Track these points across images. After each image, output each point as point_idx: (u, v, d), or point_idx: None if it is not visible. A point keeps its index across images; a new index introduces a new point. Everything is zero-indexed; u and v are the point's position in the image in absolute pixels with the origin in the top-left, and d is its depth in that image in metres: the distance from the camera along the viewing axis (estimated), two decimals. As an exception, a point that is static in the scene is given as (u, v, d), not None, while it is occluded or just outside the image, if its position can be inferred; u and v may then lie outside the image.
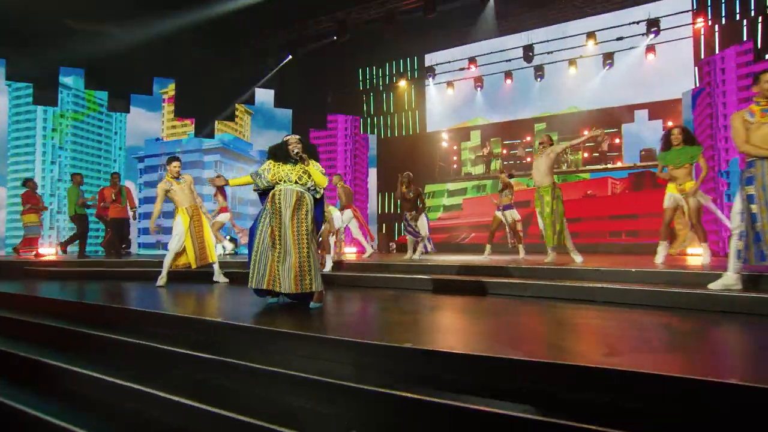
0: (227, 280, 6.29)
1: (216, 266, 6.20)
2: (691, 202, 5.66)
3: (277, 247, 4.13)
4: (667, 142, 5.83)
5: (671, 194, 5.84)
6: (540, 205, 6.41)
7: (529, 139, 14.45)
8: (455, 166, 15.47)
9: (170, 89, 11.26)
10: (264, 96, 11.99)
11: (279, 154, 4.28)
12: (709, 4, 10.86)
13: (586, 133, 6.19)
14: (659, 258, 5.91)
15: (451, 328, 3.55)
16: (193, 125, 11.83)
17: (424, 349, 2.63)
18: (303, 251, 4.11)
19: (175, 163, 6.00)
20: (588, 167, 13.49)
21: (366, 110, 14.72)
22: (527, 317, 3.93)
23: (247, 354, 3.04)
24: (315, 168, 4.21)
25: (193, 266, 5.96)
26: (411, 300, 4.88)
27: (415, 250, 7.89)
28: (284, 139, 4.33)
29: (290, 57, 11.24)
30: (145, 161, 11.67)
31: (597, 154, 13.74)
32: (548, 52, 11.87)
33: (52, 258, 8.87)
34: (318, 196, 4.37)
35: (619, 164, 13.34)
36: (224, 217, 8.98)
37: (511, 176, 8.70)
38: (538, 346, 2.91)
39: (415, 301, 4.83)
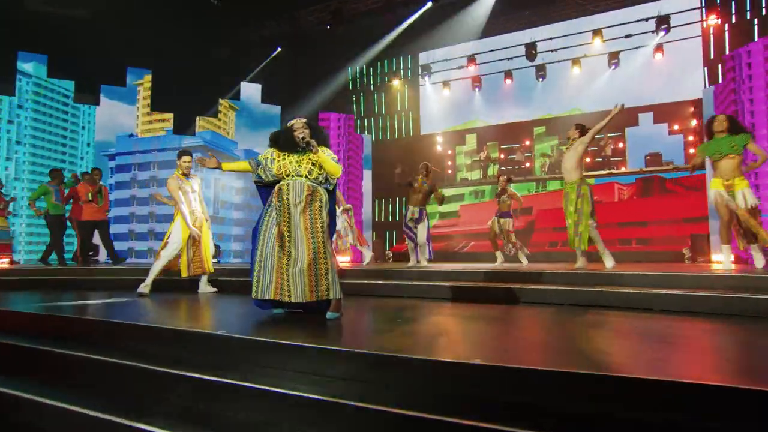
0: (215, 289, 5.66)
1: (204, 275, 5.56)
2: (741, 201, 5.19)
3: (286, 248, 3.53)
4: (709, 131, 5.38)
5: (717, 191, 5.33)
6: (565, 203, 5.96)
7: (528, 143, 14.09)
8: (450, 171, 15.03)
9: (146, 81, 10.50)
10: (251, 91, 11.35)
11: (283, 141, 3.68)
12: (718, 1, 10.70)
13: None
14: (726, 264, 5.36)
15: (501, 340, 2.95)
16: (172, 121, 11.05)
17: (512, 366, 2.03)
18: (319, 251, 3.50)
19: (186, 158, 5.44)
20: (590, 173, 13.18)
21: (357, 111, 14.17)
22: (584, 328, 3.37)
23: (251, 372, 2.40)
24: (326, 155, 3.62)
25: (184, 275, 5.35)
26: (436, 309, 4.31)
27: (418, 256, 7.30)
28: (289, 124, 3.73)
29: (279, 49, 10.63)
30: (116, 159, 10.83)
31: (600, 159, 13.45)
32: (552, 50, 11.54)
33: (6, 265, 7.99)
34: (330, 188, 3.77)
35: (623, 169, 13.07)
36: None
37: (509, 181, 8.27)
38: (633, 364, 2.33)
39: (440, 310, 4.27)
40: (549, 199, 13.09)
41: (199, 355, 2.84)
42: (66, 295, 5.31)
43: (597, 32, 11.00)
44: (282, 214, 3.57)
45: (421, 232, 7.10)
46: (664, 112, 11.91)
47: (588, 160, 13.49)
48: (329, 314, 3.54)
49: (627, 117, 12.89)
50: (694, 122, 11.55)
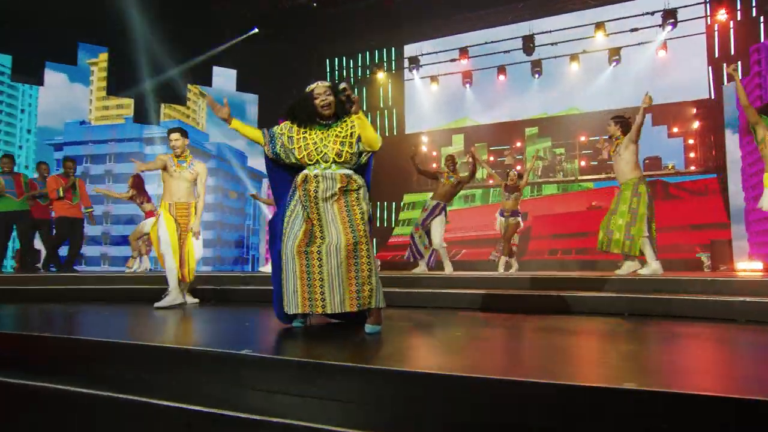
0: (197, 300, 4.81)
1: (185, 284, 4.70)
2: None
3: (316, 245, 2.79)
4: None
5: None
6: (616, 201, 5.40)
7: (519, 144, 13.67)
8: (435, 173, 14.42)
9: (101, 60, 9.39)
10: (224, 77, 10.38)
11: (301, 112, 2.93)
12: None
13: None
14: None
15: (621, 358, 2.24)
16: (132, 107, 9.97)
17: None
18: (361, 245, 2.78)
19: (173, 136, 4.62)
20: (586, 177, 12.86)
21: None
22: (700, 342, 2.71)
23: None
24: (365, 121, 2.87)
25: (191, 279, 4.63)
26: (482, 321, 3.62)
27: (429, 261, 6.56)
28: (308, 89, 2.94)
29: (256, 30, 9.76)
30: (64, 150, 9.65)
31: (596, 163, 13.14)
32: (552, 44, 11.14)
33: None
34: (364, 161, 3.01)
35: (620, 173, 12.78)
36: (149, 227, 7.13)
37: (520, 176, 7.79)
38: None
39: (492, 321, 3.57)
40: (545, 205, 12.66)
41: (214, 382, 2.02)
42: (43, 307, 4.32)
43: (599, 26, 10.65)
44: (310, 203, 2.85)
45: (437, 231, 6.30)
46: (664, 114, 11.68)
47: (583, 163, 13.19)
48: (369, 327, 2.79)
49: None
50: (696, 124, 11.35)
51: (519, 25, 11.57)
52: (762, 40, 10.42)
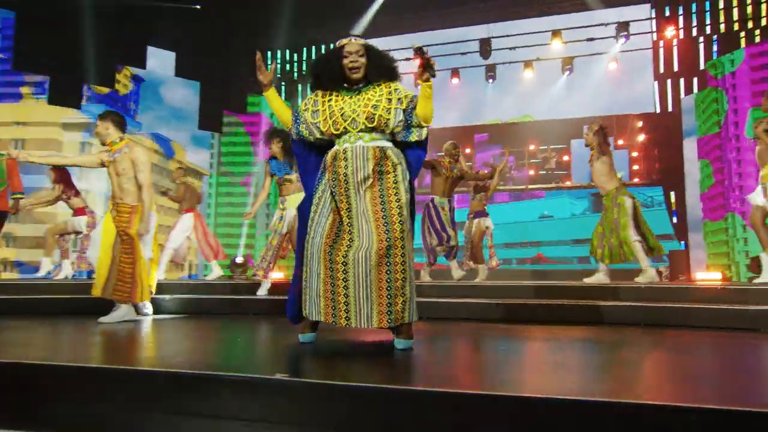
0: (149, 312, 4.09)
1: None
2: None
3: (343, 245, 2.37)
4: None
5: None
6: (602, 215, 5.42)
7: (468, 151, 13.72)
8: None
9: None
10: (161, 59, 9.42)
11: (325, 73, 2.51)
12: (667, 14, 11.20)
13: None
14: None
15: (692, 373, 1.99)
16: (47, 87, 8.78)
17: None
18: (395, 252, 2.32)
19: (97, 122, 3.83)
20: (535, 186, 13.12)
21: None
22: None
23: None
24: (431, 93, 2.42)
25: (97, 294, 3.69)
26: (513, 332, 3.32)
27: (458, 263, 6.11)
28: (338, 44, 2.51)
29: (198, 6, 8.92)
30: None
31: (544, 172, 13.47)
32: (511, 48, 11.24)
33: None
34: (414, 138, 2.56)
35: (568, 183, 13.18)
36: (79, 224, 6.18)
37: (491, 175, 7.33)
38: None
39: (525, 333, 3.28)
40: (496, 213, 12.76)
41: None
42: None
43: (556, 33, 10.90)
44: (339, 191, 2.43)
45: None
46: (610, 126, 12.15)
47: (532, 172, 13.46)
48: (400, 342, 2.36)
49: (573, 128, 13.07)
50: (642, 137, 11.92)
51: (475, 28, 11.62)
52: (701, 60, 11.17)
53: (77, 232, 6.21)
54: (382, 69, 2.49)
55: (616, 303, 4.14)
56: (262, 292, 4.77)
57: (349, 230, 2.38)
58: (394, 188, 2.42)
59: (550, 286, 4.98)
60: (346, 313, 2.29)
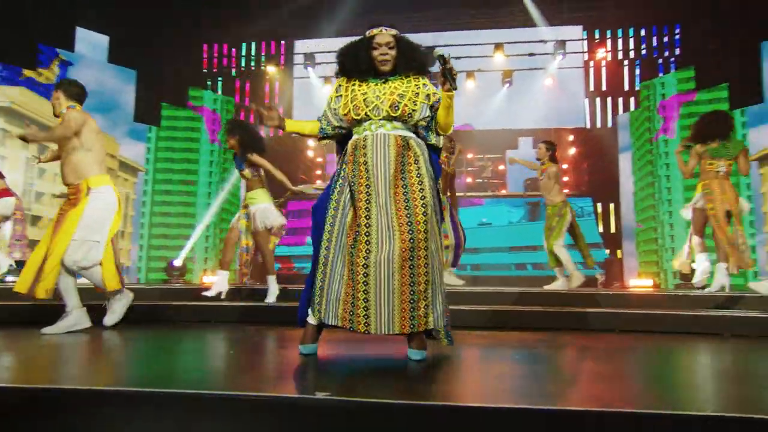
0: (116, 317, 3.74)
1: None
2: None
3: (363, 245, 2.27)
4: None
5: None
6: (546, 224, 5.93)
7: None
8: (320, 181, 14.02)
9: None
10: (92, 42, 8.59)
11: (352, 64, 2.47)
12: (597, 38, 12.06)
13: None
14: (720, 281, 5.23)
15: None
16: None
17: None
18: (419, 254, 2.26)
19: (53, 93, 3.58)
20: (473, 193, 13.54)
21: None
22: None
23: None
24: (452, 104, 2.47)
25: (23, 291, 3.27)
26: (513, 340, 3.38)
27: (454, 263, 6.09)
28: (369, 34, 2.46)
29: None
30: None
31: (481, 180, 13.97)
32: (455, 58, 11.52)
33: None
34: (432, 141, 2.57)
35: (503, 192, 13.74)
36: (5, 207, 5.53)
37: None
38: None
39: (527, 341, 3.34)
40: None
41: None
42: None
43: (499, 46, 11.35)
44: (359, 186, 2.34)
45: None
46: (544, 138, 12.87)
47: (470, 180, 13.90)
48: (413, 352, 2.32)
49: (508, 139, 13.69)
50: (573, 150, 12.71)
51: (422, 35, 11.82)
52: (626, 81, 12.15)
53: (5, 217, 5.56)
54: (413, 62, 2.49)
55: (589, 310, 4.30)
56: (271, 299, 4.51)
57: (367, 230, 2.29)
58: (418, 184, 2.37)
59: (490, 293, 5.11)
60: (366, 318, 2.21)
